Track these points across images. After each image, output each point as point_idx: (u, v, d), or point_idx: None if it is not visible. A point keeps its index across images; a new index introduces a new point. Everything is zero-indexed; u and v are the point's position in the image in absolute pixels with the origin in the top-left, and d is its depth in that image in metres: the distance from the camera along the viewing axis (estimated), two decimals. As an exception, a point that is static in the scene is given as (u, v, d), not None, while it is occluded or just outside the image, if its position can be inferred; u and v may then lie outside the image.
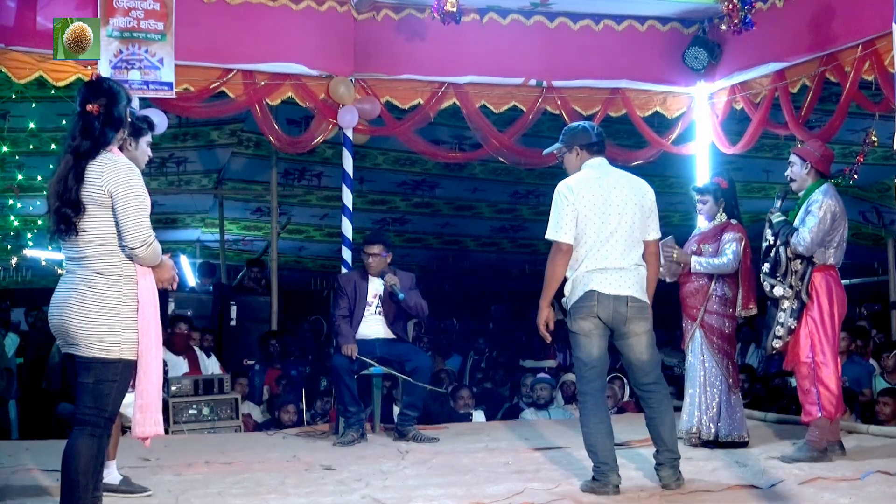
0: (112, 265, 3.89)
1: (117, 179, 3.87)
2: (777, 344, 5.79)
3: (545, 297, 4.96)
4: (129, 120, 4.14)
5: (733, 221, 6.31)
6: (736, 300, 6.24)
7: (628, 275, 4.90)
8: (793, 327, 5.71)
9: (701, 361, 6.21)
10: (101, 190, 3.86)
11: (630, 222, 4.93)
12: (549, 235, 4.95)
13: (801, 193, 5.83)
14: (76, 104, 3.99)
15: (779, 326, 5.74)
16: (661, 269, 5.69)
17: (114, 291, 3.88)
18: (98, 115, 3.94)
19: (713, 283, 6.21)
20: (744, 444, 6.11)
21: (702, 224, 6.53)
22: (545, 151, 5.45)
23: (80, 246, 3.89)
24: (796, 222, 5.71)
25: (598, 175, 4.99)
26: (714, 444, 6.12)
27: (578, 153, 5.09)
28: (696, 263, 6.20)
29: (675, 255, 6.25)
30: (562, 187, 4.97)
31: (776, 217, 5.82)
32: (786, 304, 5.71)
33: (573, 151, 5.11)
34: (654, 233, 5.06)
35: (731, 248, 6.15)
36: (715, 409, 6.15)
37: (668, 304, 6.45)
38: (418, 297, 6.98)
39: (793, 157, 5.89)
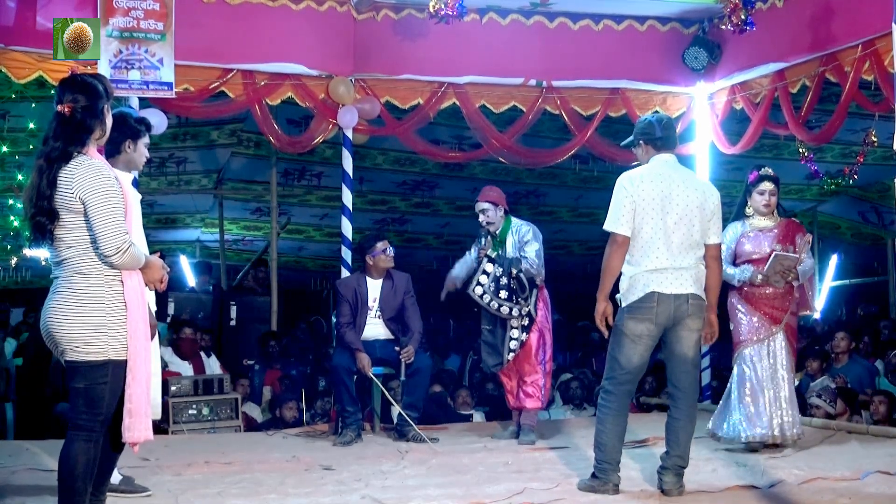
0: (93, 265, 3.75)
1: (87, 185, 3.70)
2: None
3: (602, 290, 4.82)
4: (124, 118, 3.98)
5: (796, 220, 6.23)
6: (801, 302, 6.21)
7: (688, 273, 4.80)
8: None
9: (780, 365, 6.07)
10: (73, 196, 3.70)
11: (689, 223, 4.81)
12: (606, 226, 4.83)
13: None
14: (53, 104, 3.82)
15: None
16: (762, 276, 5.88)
17: (96, 291, 3.75)
18: (70, 115, 3.76)
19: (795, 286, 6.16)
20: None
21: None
22: (622, 144, 5.37)
23: (61, 250, 3.77)
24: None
25: (661, 171, 4.88)
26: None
27: (644, 147, 5.01)
28: (801, 273, 6.09)
29: (800, 257, 6.03)
30: (623, 178, 4.87)
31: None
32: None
33: (639, 146, 5.04)
34: (716, 237, 4.92)
35: (807, 248, 6.06)
36: (792, 411, 6.04)
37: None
38: (414, 308, 7.01)
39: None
